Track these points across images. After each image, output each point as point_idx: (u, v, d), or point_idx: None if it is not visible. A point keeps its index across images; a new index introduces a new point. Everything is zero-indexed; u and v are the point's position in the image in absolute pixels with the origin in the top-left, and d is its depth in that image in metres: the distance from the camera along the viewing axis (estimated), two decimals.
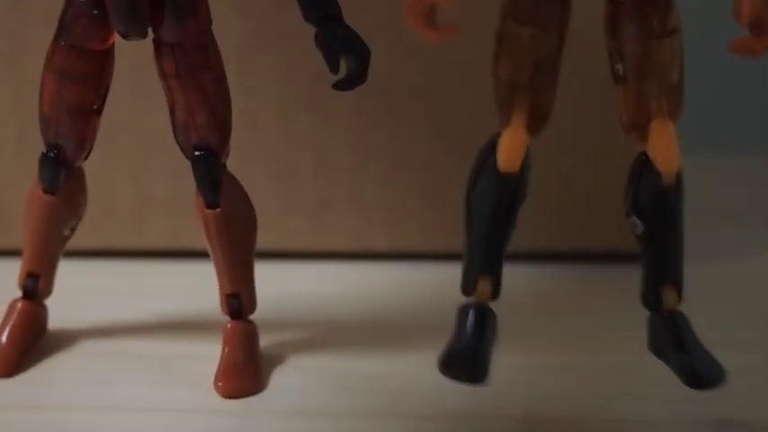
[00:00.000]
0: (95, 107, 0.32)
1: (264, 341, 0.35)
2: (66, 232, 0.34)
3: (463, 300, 0.31)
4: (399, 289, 0.41)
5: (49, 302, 0.35)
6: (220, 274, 0.33)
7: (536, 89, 0.30)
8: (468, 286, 0.31)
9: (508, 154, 0.30)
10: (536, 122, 0.30)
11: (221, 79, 0.32)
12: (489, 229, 0.30)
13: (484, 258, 0.30)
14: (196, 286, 0.37)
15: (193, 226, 0.33)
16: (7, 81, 0.42)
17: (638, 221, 0.30)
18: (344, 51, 0.30)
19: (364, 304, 0.40)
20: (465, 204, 0.31)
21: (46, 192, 0.33)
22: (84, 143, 0.33)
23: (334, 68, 0.30)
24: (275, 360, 0.35)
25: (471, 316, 0.31)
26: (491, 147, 0.30)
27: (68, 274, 0.36)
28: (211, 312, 0.35)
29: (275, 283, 0.36)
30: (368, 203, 0.44)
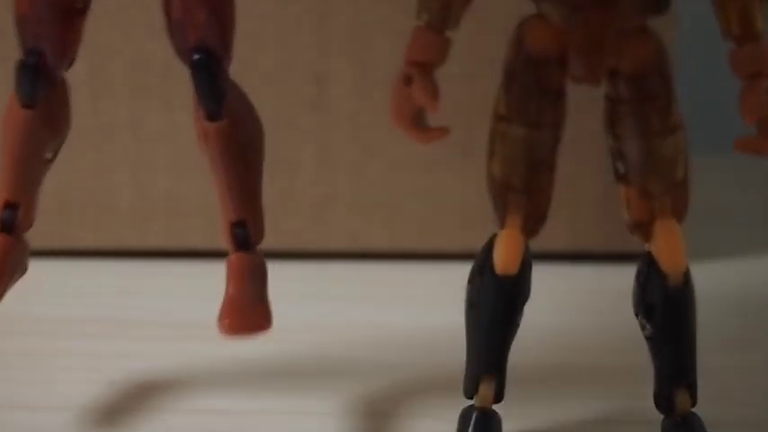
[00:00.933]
0: (79, 5, 0.29)
1: (263, 341, 0.35)
2: (48, 155, 0.30)
3: (465, 402, 0.30)
4: (400, 289, 0.41)
5: (49, 302, 0.35)
6: (223, 199, 0.30)
7: (531, 191, 0.29)
8: (469, 389, 0.29)
9: (504, 257, 0.29)
10: (532, 224, 0.29)
11: None
12: (490, 330, 0.29)
13: (485, 360, 0.29)
14: (197, 286, 0.37)
15: (198, 151, 0.30)
16: (7, 83, 0.42)
17: (646, 323, 0.29)
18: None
19: (364, 304, 0.40)
20: (466, 304, 0.30)
21: (24, 106, 0.29)
22: (68, 48, 0.29)
23: None
24: (274, 360, 0.35)
25: (474, 421, 0.29)
26: (489, 248, 0.29)
27: (68, 274, 0.36)
28: (212, 312, 0.35)
29: (275, 283, 0.36)
30: (368, 203, 0.44)
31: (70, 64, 0.30)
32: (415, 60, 0.29)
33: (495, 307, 0.29)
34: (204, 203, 0.42)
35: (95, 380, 0.34)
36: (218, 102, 0.28)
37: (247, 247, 0.30)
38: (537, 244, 0.44)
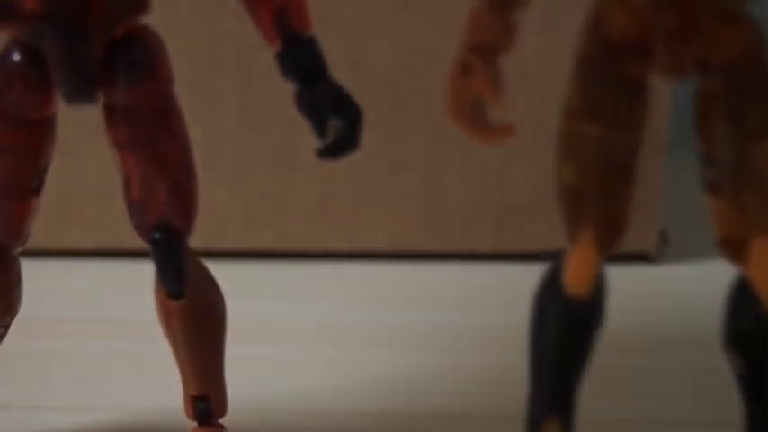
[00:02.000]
0: (34, 186, 0.28)
1: (263, 342, 0.35)
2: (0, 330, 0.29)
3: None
4: (400, 289, 0.41)
5: (49, 302, 0.35)
6: (185, 374, 0.29)
7: (606, 199, 0.25)
8: (532, 429, 0.26)
9: (576, 275, 0.25)
10: (608, 238, 0.25)
11: (185, 147, 0.27)
12: (556, 360, 0.25)
13: (551, 397, 0.26)
14: None
15: (159, 321, 0.29)
16: None
17: (738, 358, 0.25)
18: (333, 114, 0.27)
19: (364, 304, 0.40)
20: (530, 333, 0.26)
21: None
22: (21, 229, 0.28)
23: (321, 134, 0.27)
24: (276, 361, 0.35)
25: None
26: (557, 265, 0.26)
27: (68, 274, 0.36)
28: None
29: (275, 283, 0.36)
30: (368, 203, 0.44)
31: (25, 241, 0.28)
32: (476, 44, 0.25)
33: (564, 333, 0.25)
34: (204, 203, 0.42)
35: (95, 380, 0.34)
36: (179, 280, 0.27)
37: (210, 422, 0.29)
38: (537, 244, 0.44)
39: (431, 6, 0.41)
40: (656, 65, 0.24)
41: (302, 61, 0.27)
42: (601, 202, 0.25)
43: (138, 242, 0.44)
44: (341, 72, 0.43)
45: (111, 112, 0.26)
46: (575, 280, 0.25)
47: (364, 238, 0.44)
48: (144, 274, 0.42)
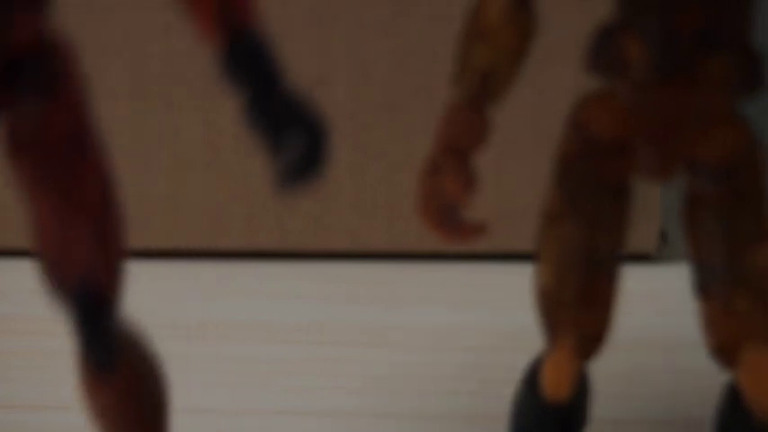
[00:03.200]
0: None
1: (263, 342, 0.35)
2: None
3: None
4: (400, 289, 0.41)
5: (50, 302, 0.35)
6: None
7: (587, 307, 0.24)
8: None
9: (554, 380, 0.24)
10: (589, 346, 0.24)
11: (108, 183, 0.22)
12: None
13: None
14: (196, 287, 0.37)
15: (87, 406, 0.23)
16: None
17: None
18: (289, 127, 0.21)
19: (364, 304, 0.40)
20: (510, 427, 0.25)
21: None
22: None
23: (275, 153, 0.21)
24: (276, 361, 0.35)
25: None
26: (535, 368, 0.25)
27: None
28: (212, 313, 0.35)
29: (275, 283, 0.36)
30: (368, 203, 0.44)
31: None
32: (448, 146, 0.24)
33: None
34: (204, 203, 0.42)
35: None
36: (108, 349, 0.22)
37: None
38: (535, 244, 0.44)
39: (431, 6, 0.41)
40: (641, 166, 0.23)
41: (250, 62, 0.21)
42: (581, 311, 0.24)
43: (138, 242, 0.44)
44: (342, 72, 0.43)
45: (13, 143, 0.20)
46: (553, 385, 0.24)
47: (364, 238, 0.44)
48: (144, 274, 0.42)
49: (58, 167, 0.21)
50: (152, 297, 0.40)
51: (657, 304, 0.39)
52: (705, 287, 0.23)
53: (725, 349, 0.23)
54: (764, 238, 0.22)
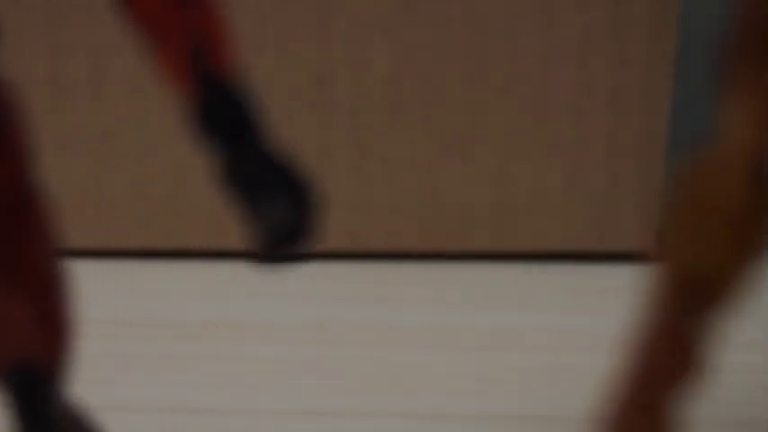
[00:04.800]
0: None
1: (263, 342, 0.35)
2: None
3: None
4: (400, 289, 0.41)
5: None
6: None
7: None
8: None
9: None
10: None
11: (52, 250, 0.19)
12: None
13: None
14: (196, 286, 0.37)
15: None
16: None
17: None
18: (270, 189, 0.18)
19: (364, 304, 0.40)
20: None
21: None
22: None
23: (255, 217, 0.18)
24: (276, 361, 0.35)
25: None
26: None
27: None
28: (212, 313, 0.35)
29: (275, 284, 0.36)
30: (368, 203, 0.44)
31: None
32: (649, 381, 0.17)
33: None
34: (204, 203, 0.42)
35: (95, 380, 0.34)
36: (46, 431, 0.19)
37: None
38: (535, 244, 0.44)
39: (431, 6, 0.41)
40: None
41: (227, 119, 0.18)
42: None
43: (138, 242, 0.44)
44: (342, 72, 0.43)
45: None
46: None
47: (364, 238, 0.44)
48: (144, 274, 0.42)
49: None
50: (152, 297, 0.40)
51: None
52: None
53: None
54: None
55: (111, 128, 0.41)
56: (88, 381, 0.33)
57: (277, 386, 0.33)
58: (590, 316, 0.39)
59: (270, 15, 0.42)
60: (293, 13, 0.42)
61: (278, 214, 0.17)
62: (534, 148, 0.42)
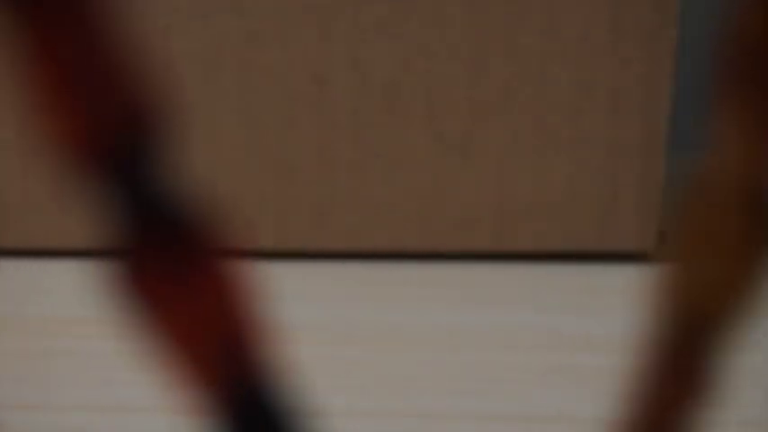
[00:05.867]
0: None
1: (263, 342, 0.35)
2: None
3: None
4: (400, 289, 0.41)
5: (49, 302, 0.35)
6: None
7: None
8: None
9: None
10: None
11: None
12: None
13: None
14: None
15: None
16: (6, 81, 0.42)
17: None
18: None
19: (364, 304, 0.40)
20: None
21: None
22: None
23: None
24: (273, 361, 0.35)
25: None
26: None
27: (69, 275, 0.36)
28: None
29: (275, 284, 0.36)
30: (368, 203, 0.44)
31: None
32: (649, 414, 0.17)
33: None
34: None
35: (95, 379, 0.34)
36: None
37: None
38: (535, 244, 0.44)
39: (431, 6, 0.41)
40: None
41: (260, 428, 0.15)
42: None
43: None
44: (342, 72, 0.43)
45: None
46: None
47: (364, 238, 0.44)
48: None
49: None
50: None
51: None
52: None
53: None
54: None
55: None
56: (90, 380, 0.33)
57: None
58: (590, 316, 0.39)
59: (270, 15, 0.42)
60: (293, 12, 0.42)
61: None
62: (534, 148, 0.42)
